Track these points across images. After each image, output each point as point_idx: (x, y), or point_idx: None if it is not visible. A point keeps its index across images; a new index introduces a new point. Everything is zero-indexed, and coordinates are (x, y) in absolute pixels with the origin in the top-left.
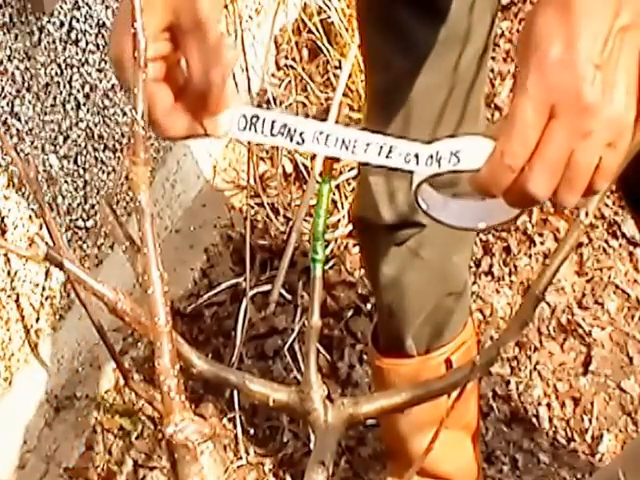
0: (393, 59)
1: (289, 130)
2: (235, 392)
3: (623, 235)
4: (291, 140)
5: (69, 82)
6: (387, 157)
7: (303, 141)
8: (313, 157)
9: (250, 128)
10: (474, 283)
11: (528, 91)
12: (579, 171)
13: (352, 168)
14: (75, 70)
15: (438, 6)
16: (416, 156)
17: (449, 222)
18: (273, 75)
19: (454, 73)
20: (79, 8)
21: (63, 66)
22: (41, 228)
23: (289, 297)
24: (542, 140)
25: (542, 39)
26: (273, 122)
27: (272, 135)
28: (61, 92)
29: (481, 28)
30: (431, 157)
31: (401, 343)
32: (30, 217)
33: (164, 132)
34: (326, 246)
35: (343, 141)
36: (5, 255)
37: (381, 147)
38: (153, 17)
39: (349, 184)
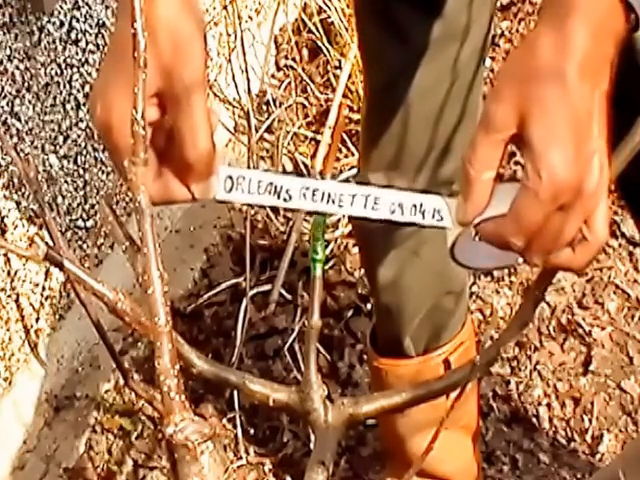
0: (391, 57)
1: (275, 188)
2: (235, 392)
3: (623, 235)
4: (278, 197)
5: (69, 82)
6: (373, 209)
7: (290, 197)
8: (313, 155)
9: (237, 189)
10: (474, 283)
11: (539, 195)
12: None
13: (352, 167)
14: (75, 70)
15: (436, 3)
16: (400, 206)
17: (485, 266)
18: (273, 76)
19: (453, 70)
20: (79, 8)
21: (63, 66)
22: (41, 228)
23: (289, 297)
24: (547, 228)
25: (546, 143)
26: (259, 181)
27: (259, 194)
28: (61, 92)
29: (479, 24)
30: (414, 207)
31: (399, 344)
32: (30, 217)
33: (151, 199)
34: (326, 246)
35: (329, 195)
36: (5, 255)
37: (366, 198)
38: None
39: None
